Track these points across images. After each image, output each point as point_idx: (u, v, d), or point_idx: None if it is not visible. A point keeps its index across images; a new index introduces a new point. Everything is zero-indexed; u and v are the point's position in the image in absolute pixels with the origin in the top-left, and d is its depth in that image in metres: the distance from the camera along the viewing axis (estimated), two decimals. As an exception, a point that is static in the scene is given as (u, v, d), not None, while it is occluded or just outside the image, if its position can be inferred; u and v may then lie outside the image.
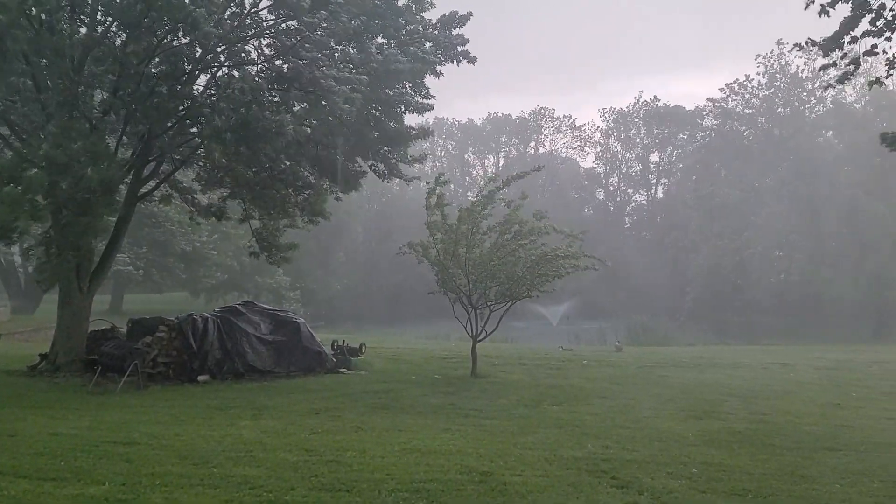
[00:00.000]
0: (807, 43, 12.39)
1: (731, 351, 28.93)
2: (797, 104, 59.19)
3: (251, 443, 8.71)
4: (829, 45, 11.64)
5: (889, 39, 11.37)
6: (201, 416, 10.85)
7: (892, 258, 46.99)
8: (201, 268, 47.39)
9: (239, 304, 17.99)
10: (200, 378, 15.13)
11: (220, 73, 17.04)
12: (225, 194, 19.73)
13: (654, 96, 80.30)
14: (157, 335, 15.36)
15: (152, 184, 19.32)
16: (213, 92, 16.40)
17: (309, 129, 16.64)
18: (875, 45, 11.48)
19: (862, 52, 11.63)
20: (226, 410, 11.44)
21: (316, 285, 58.41)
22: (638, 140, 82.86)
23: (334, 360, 17.45)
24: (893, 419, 11.80)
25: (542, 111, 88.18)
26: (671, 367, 19.96)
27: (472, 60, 18.41)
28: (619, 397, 13.61)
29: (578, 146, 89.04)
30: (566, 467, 7.70)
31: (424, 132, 19.92)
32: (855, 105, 56.23)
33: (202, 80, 17.31)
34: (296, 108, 16.29)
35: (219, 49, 15.90)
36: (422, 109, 18.67)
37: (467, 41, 18.31)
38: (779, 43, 58.43)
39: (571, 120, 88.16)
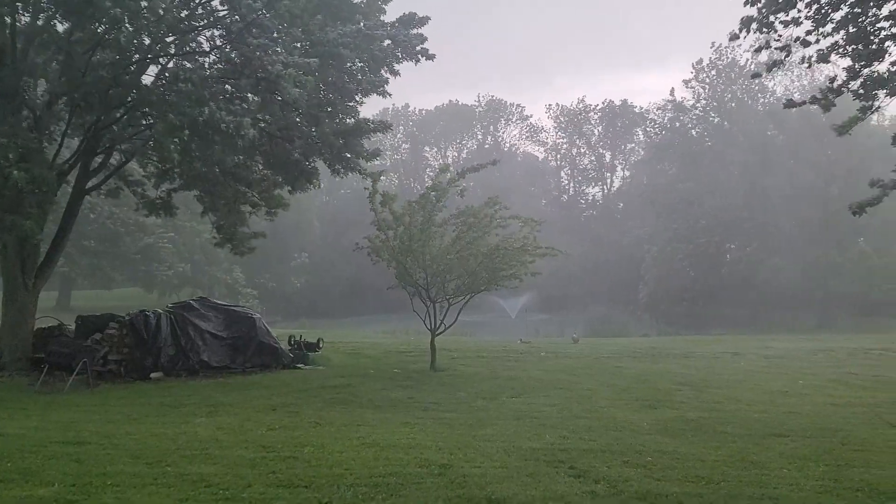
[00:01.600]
0: (742, 29, 12.80)
1: (684, 341, 29.52)
2: (746, 99, 60.67)
3: (206, 440, 8.57)
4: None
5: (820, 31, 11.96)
6: (154, 414, 10.63)
7: (836, 249, 48.55)
8: (154, 263, 46.39)
9: (193, 300, 17.67)
10: (153, 375, 14.83)
11: (170, 64, 16.65)
12: (171, 188, 19.27)
13: (610, 100, 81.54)
14: (107, 332, 15.01)
15: (101, 176, 18.80)
16: (163, 83, 15.99)
17: (263, 124, 16.38)
18: (809, 33, 12.03)
19: (795, 38, 12.17)
20: (180, 408, 11.22)
21: (273, 281, 57.76)
22: (590, 136, 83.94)
23: (291, 355, 17.28)
24: (838, 405, 12.20)
25: (500, 103, 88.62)
26: (626, 357, 20.30)
27: (430, 57, 18.34)
28: (577, 388, 13.78)
29: (533, 139, 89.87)
30: (525, 458, 7.77)
31: (384, 125, 19.72)
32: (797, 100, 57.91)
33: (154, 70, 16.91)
34: (249, 101, 16.01)
35: (168, 39, 15.53)
36: (377, 88, 18.41)
37: (426, 38, 18.29)
38: (732, 36, 59.69)
39: (526, 114, 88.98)
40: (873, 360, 20.10)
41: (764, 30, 12.41)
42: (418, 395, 12.64)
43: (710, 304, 53.24)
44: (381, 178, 17.69)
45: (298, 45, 16.16)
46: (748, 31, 12.83)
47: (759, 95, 60.44)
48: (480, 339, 31.85)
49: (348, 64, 17.34)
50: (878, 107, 12.67)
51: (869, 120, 12.95)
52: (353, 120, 18.40)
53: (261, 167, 18.98)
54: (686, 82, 62.35)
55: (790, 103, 12.98)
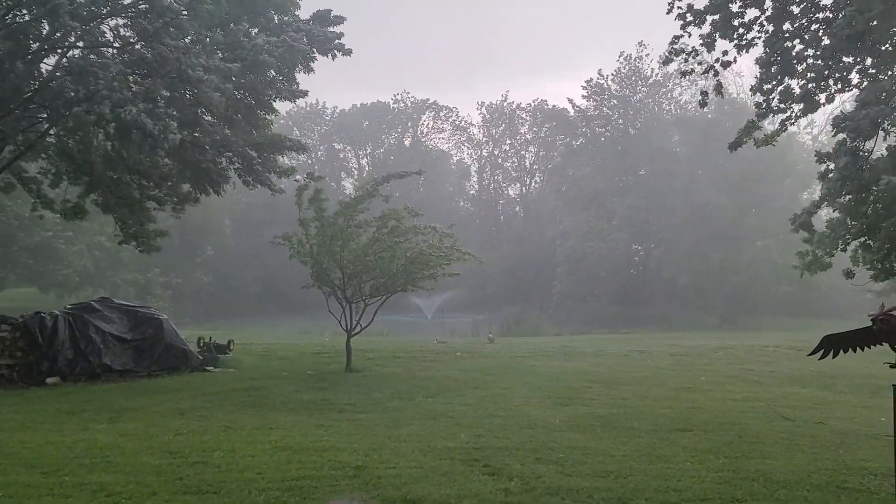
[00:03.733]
0: (670, 52, 13.46)
1: (595, 340, 30.40)
2: (653, 106, 63.17)
3: (108, 447, 8.16)
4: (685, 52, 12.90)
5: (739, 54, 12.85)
6: (51, 421, 10.04)
7: (736, 249, 51.05)
8: (51, 262, 43.69)
9: (94, 301, 16.84)
10: (49, 381, 14.04)
11: (72, 54, 15.79)
12: (70, 187, 18.27)
13: (543, 100, 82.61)
14: (-2, 335, 14.08)
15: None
16: (64, 75, 15.10)
17: (175, 124, 15.83)
18: (730, 61, 12.88)
19: (720, 62, 12.96)
20: (79, 414, 10.66)
21: (181, 279, 55.64)
22: (512, 136, 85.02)
23: (200, 357, 16.74)
24: (736, 400, 12.84)
25: (421, 103, 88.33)
26: (540, 356, 20.69)
27: (347, 53, 18.21)
28: (491, 387, 13.95)
29: (455, 141, 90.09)
30: (440, 457, 7.78)
31: (300, 146, 19.56)
32: (695, 111, 61.14)
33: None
34: (159, 100, 15.40)
35: (70, 26, 14.71)
36: (293, 97, 18.28)
37: (342, 34, 18.16)
38: (639, 43, 62.13)
39: (449, 113, 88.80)
40: (769, 357, 21.31)
41: (693, 54, 13.20)
42: (333, 397, 12.47)
43: (620, 303, 55.04)
44: (318, 176, 17.53)
45: (215, 48, 15.73)
46: (680, 55, 13.46)
47: (664, 104, 63.08)
48: (397, 339, 31.75)
49: (270, 73, 17.06)
50: (796, 119, 13.56)
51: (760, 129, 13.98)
52: (268, 128, 18.15)
53: (168, 164, 18.30)
54: (597, 88, 64.04)
55: (735, 144, 13.74)
